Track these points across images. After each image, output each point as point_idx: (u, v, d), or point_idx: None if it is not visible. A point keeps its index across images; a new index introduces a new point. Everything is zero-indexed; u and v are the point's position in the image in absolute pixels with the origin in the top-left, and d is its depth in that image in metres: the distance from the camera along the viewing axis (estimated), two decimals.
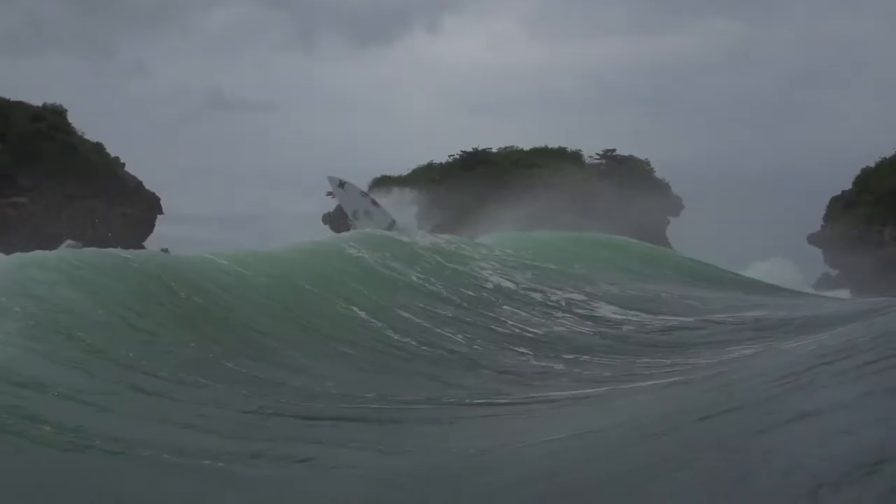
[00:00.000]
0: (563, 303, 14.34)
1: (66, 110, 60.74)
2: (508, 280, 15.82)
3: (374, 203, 22.05)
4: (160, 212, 63.56)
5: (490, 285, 15.05)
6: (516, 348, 10.84)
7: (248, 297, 10.81)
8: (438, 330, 11.11)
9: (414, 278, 14.12)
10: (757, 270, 39.39)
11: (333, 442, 6.20)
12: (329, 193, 18.58)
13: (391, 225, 21.02)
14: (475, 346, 10.46)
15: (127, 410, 6.65)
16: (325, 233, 48.90)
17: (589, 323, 13.24)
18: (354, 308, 11.48)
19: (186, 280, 10.60)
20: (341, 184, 20.32)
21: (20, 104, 62.05)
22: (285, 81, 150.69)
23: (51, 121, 60.99)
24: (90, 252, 11.44)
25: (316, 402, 7.25)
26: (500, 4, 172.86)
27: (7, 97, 61.50)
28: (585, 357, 10.53)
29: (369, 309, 11.64)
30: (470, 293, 14.16)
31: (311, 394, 7.42)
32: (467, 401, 7.80)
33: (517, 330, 11.67)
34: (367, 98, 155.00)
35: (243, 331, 9.56)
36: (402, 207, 56.14)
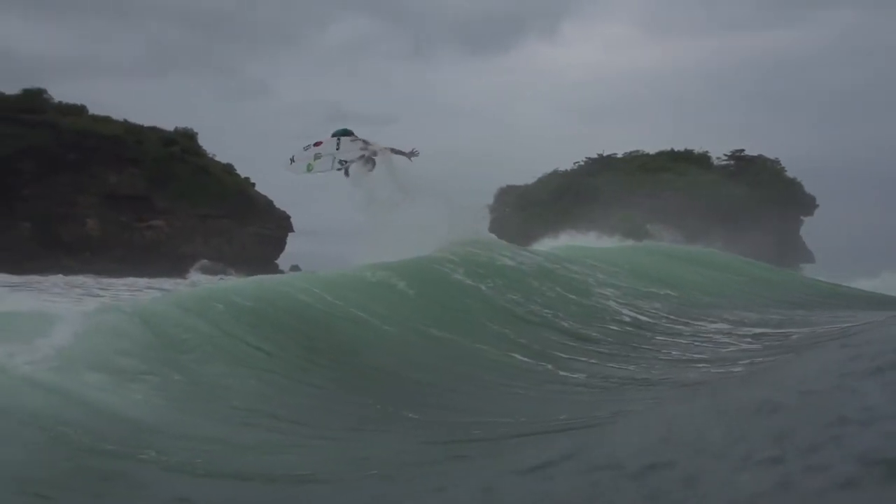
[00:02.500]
0: (713, 334, 13.56)
1: (196, 133, 62.48)
2: (638, 312, 15.10)
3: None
4: (291, 229, 64.74)
5: (627, 318, 14.34)
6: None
7: (394, 349, 10.46)
8: (611, 364, 10.54)
9: (547, 314, 13.55)
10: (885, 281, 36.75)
11: None
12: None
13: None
14: (653, 372, 9.84)
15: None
16: None
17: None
18: (513, 354, 10.99)
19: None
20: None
21: (153, 129, 64.22)
22: (403, 93, 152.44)
23: (183, 144, 62.97)
24: None
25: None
26: (615, 7, 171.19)
27: (140, 123, 63.47)
28: None
29: (528, 351, 11.14)
30: (613, 328, 13.49)
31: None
32: None
33: (683, 363, 10.99)
34: (485, 107, 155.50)
35: (404, 381, 9.22)
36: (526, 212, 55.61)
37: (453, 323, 11.96)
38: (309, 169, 19.53)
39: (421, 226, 18.04)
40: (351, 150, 19.24)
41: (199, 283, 15.55)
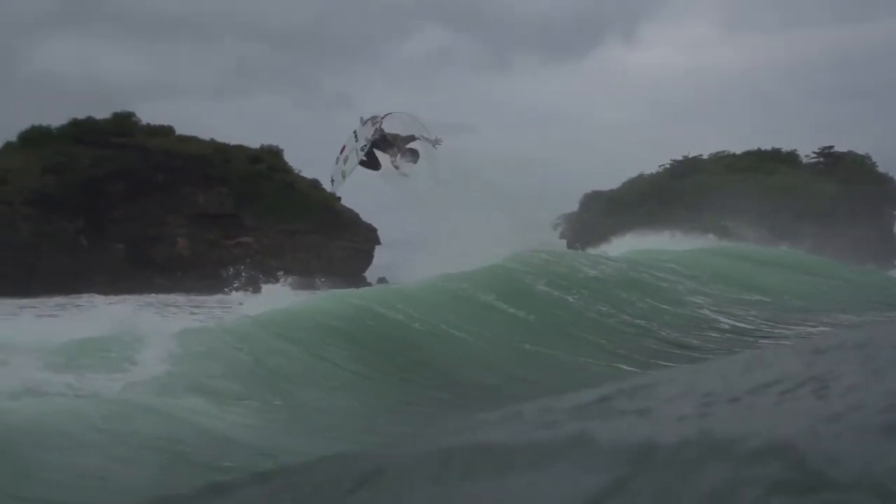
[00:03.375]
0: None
1: (282, 150, 63.34)
2: (735, 319, 14.79)
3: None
4: (378, 242, 65.22)
5: (725, 325, 14.10)
6: None
7: (490, 365, 10.43)
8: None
9: (641, 324, 13.39)
10: None
11: None
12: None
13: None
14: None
15: None
16: None
17: None
18: (617, 365, 10.85)
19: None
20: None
21: (239, 147, 65.29)
22: (482, 102, 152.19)
23: (268, 161, 63.86)
24: None
25: None
26: (693, 7, 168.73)
27: (227, 141, 64.57)
28: None
29: (632, 361, 10.98)
30: (713, 335, 13.26)
31: None
32: None
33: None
34: (565, 112, 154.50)
35: (505, 398, 9.18)
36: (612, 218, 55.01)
37: (546, 336, 11.88)
38: (344, 176, 19.58)
39: (488, 234, 18.00)
40: (366, 132, 19.18)
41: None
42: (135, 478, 5.64)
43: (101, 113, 73.32)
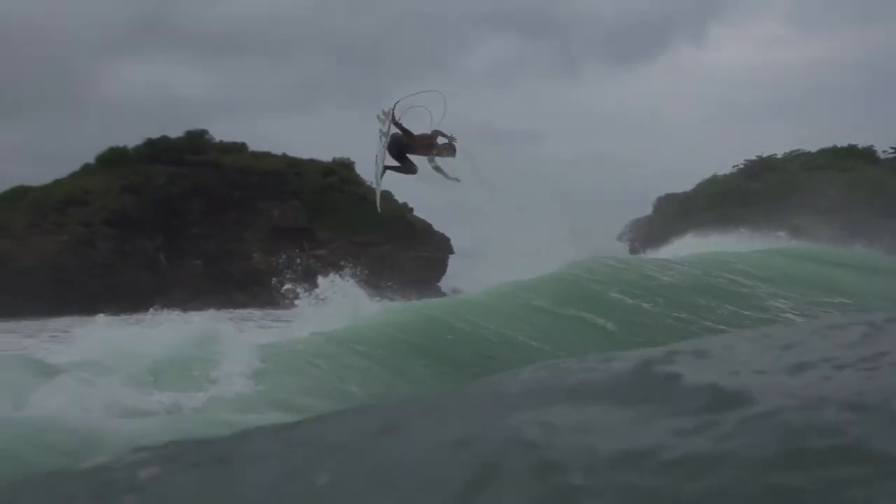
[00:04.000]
0: None
1: (353, 162, 63.91)
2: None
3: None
4: (451, 251, 65.40)
5: None
6: None
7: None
8: None
9: (724, 329, 13.15)
10: None
11: None
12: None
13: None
14: None
15: None
16: None
17: None
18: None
19: None
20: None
21: (312, 161, 65.98)
22: (552, 108, 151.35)
23: (340, 174, 64.44)
24: None
25: None
26: (762, 5, 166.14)
27: (299, 156, 65.32)
28: None
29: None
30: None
31: None
32: None
33: None
34: (636, 116, 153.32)
35: None
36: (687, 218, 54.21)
37: (629, 346, 11.73)
38: (382, 175, 18.84)
39: (548, 240, 17.81)
40: (382, 124, 18.38)
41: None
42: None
43: (175, 132, 74.88)
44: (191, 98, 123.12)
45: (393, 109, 17.99)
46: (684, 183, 76.42)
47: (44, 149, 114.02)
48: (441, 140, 18.25)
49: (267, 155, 69.94)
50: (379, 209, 20.01)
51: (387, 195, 65.12)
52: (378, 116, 18.38)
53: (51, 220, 66.35)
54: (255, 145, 72.08)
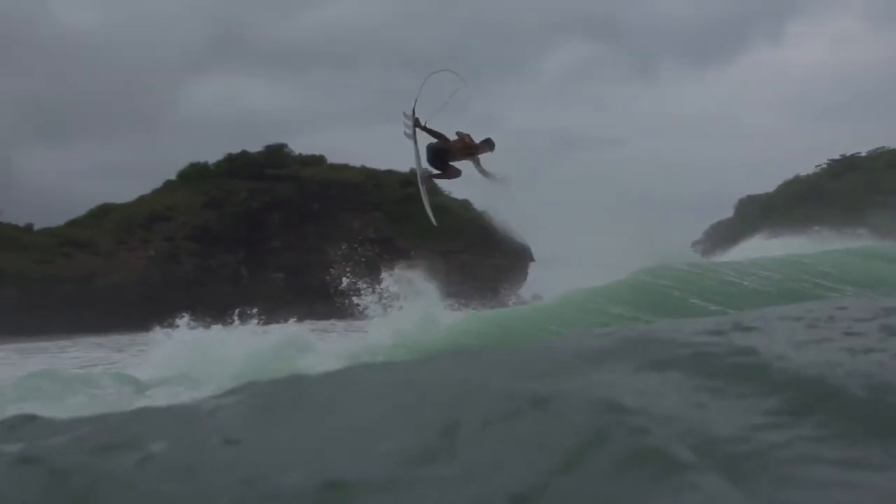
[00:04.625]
0: None
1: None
2: None
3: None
4: (531, 258, 65.19)
5: None
6: None
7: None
8: None
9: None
10: None
11: None
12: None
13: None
14: None
15: None
16: None
17: None
18: None
19: None
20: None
21: (390, 172, 66.35)
22: (629, 113, 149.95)
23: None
24: None
25: None
26: (839, 2, 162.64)
27: (377, 167, 65.73)
28: None
29: None
30: None
31: None
32: None
33: None
34: (714, 118, 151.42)
35: None
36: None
37: None
38: (426, 187, 18.32)
39: (619, 246, 17.52)
40: (407, 127, 17.52)
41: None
42: None
43: (254, 146, 76.15)
44: (269, 113, 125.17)
45: (414, 112, 17.39)
46: (765, 184, 75.25)
47: (127, 166, 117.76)
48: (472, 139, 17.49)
49: (345, 167, 70.77)
50: (434, 222, 19.39)
51: (467, 203, 65.29)
52: (405, 124, 17.87)
53: (136, 237, 68.03)
54: (333, 158, 73.06)
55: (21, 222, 71.03)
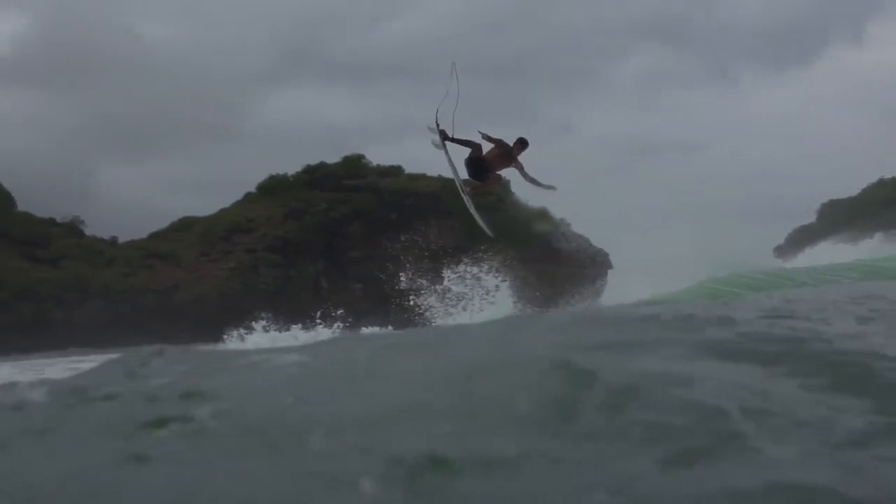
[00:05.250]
0: None
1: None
2: None
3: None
4: (609, 266, 64.94)
5: None
6: None
7: None
8: None
9: None
10: None
11: None
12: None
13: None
14: None
15: None
16: None
17: None
18: None
19: None
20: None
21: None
22: (707, 118, 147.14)
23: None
24: None
25: None
26: None
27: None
28: None
29: None
30: None
31: None
32: None
33: None
34: (794, 122, 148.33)
35: None
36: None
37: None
38: (471, 199, 18.61)
39: (694, 252, 17.38)
40: (435, 136, 17.62)
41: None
42: None
43: (332, 157, 77.09)
44: (346, 124, 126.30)
45: (438, 125, 17.29)
46: (849, 187, 73.70)
47: (207, 179, 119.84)
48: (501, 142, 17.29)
49: (423, 177, 71.21)
50: (490, 234, 19.23)
51: (544, 211, 65.29)
52: (432, 139, 17.79)
53: (218, 249, 69.48)
54: (410, 168, 73.51)
55: (105, 235, 73.23)
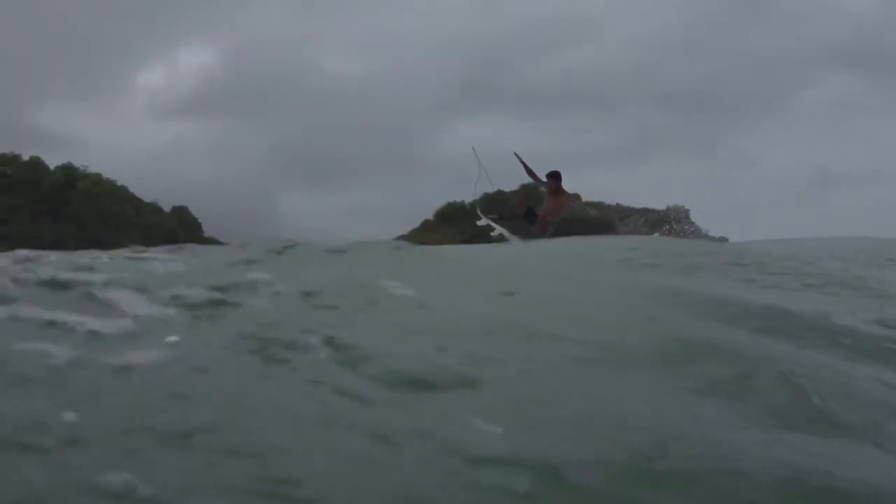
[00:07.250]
0: None
1: (687, 210, 74.22)
2: None
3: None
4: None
5: None
6: None
7: None
8: None
9: None
10: None
11: None
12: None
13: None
14: None
15: None
16: None
17: None
18: None
19: None
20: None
21: (644, 210, 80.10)
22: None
23: (672, 220, 75.95)
24: None
25: None
26: None
27: (631, 205, 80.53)
28: None
29: None
30: None
31: None
32: None
33: None
34: None
35: None
36: None
37: None
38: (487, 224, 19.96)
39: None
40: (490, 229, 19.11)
41: None
42: None
43: (510, 186, 72.99)
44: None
45: (486, 215, 19.78)
46: None
47: (386, 207, 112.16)
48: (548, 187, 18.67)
49: (598, 205, 78.38)
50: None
51: (723, 240, 79.56)
52: (488, 225, 19.60)
53: None
54: (588, 196, 76.97)
55: None
